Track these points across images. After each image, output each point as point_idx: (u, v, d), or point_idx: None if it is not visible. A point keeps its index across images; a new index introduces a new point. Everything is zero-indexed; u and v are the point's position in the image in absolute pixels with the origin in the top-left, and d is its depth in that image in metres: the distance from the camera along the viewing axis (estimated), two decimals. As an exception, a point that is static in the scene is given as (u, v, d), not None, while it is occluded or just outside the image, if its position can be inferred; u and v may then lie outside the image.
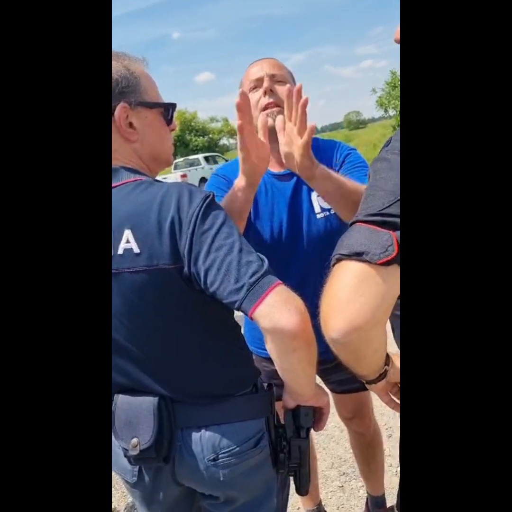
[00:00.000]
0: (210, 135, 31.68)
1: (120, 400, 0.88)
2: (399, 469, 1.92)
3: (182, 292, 0.81)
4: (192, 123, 31.42)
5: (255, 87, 1.20)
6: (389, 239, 0.61)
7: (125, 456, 0.88)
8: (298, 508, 1.72)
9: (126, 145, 0.89)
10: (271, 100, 1.17)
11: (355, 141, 28.37)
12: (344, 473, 1.95)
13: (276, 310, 0.73)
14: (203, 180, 14.11)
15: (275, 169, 1.25)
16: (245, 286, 0.75)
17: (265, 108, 1.17)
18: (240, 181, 1.02)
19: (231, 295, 0.75)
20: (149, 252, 0.78)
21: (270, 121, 1.12)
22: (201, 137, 30.57)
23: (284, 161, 1.07)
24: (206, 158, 16.26)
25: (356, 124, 67.05)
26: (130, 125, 0.88)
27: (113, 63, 0.86)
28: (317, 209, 1.23)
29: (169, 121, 0.94)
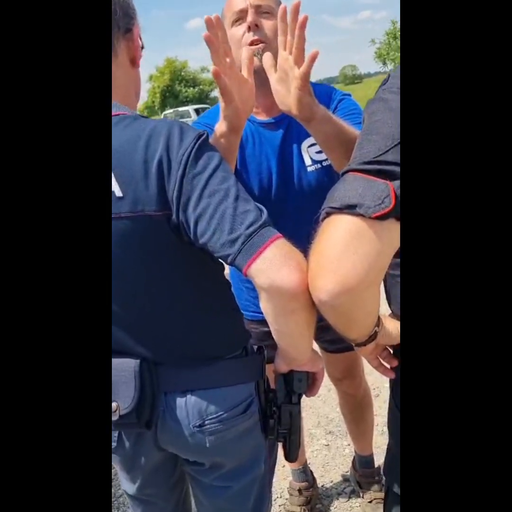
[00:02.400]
0: (201, 86, 30.67)
1: None
2: (385, 428, 1.93)
3: (169, 242, 0.73)
4: (182, 73, 30.33)
5: (237, 20, 1.05)
6: (386, 190, 0.55)
7: None
8: (283, 466, 1.72)
9: (130, 71, 0.84)
10: (256, 36, 1.02)
11: (350, 96, 27.61)
12: (330, 432, 1.95)
13: (274, 265, 0.65)
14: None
15: (261, 117, 1.14)
16: (241, 237, 0.66)
17: (251, 45, 1.01)
18: (221, 126, 0.88)
19: (224, 247, 0.68)
20: (134, 196, 0.70)
21: (255, 60, 0.94)
22: (191, 88, 29.61)
23: (277, 100, 0.91)
24: (197, 111, 15.84)
25: (352, 79, 65.39)
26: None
27: None
28: (307, 161, 1.13)
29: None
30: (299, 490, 1.57)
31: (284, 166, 1.13)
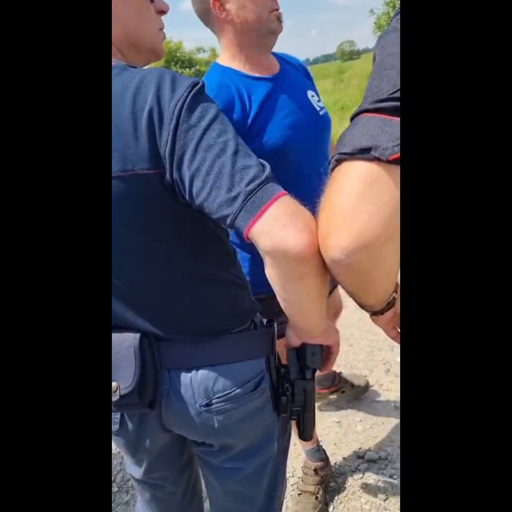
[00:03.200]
0: (197, 67, 30.19)
1: None
2: (398, 404, 1.89)
3: (165, 205, 0.66)
4: (178, 54, 29.90)
5: None
6: None
7: None
8: (295, 444, 1.68)
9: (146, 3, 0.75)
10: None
11: (348, 72, 27.27)
12: (341, 408, 1.91)
13: (279, 225, 0.58)
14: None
15: (266, 74, 1.15)
16: (241, 195, 0.59)
17: (274, 8, 1.12)
18: None
19: (222, 207, 0.60)
20: (123, 154, 0.63)
21: (278, 24, 1.12)
22: (187, 69, 29.17)
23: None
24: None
25: (350, 55, 64.43)
26: None
27: None
28: (316, 107, 1.20)
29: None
30: (315, 470, 1.53)
31: (304, 111, 1.16)
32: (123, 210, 0.66)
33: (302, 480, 1.55)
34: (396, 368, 2.10)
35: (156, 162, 0.63)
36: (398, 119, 0.48)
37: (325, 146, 1.21)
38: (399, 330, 0.76)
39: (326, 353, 0.84)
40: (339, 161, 0.52)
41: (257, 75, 1.13)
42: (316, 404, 1.83)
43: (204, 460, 0.87)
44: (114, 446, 1.34)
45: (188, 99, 0.62)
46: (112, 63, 0.68)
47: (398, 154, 0.47)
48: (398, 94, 0.49)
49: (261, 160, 0.63)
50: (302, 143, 1.12)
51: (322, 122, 1.19)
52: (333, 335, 0.81)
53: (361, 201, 0.49)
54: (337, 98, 13.18)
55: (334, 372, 1.91)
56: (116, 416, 0.80)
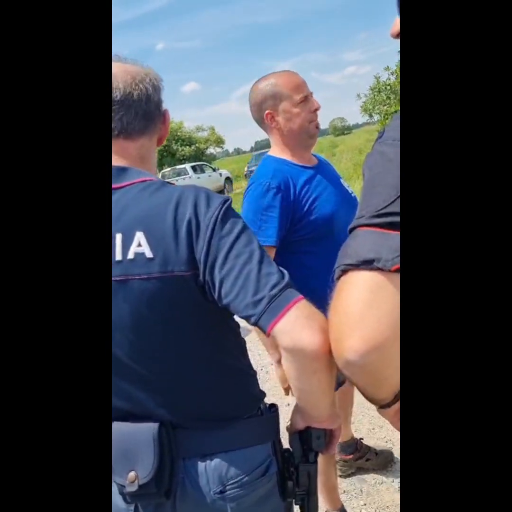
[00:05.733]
0: (197, 145, 31.64)
1: (115, 429, 0.79)
2: (398, 485, 1.88)
3: (195, 302, 0.75)
4: (179, 133, 31.42)
5: (302, 101, 1.44)
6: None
7: (120, 493, 0.80)
8: None
9: (154, 148, 0.91)
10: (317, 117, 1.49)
11: (340, 146, 28.52)
12: (344, 491, 1.90)
13: (297, 327, 0.68)
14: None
15: (309, 164, 1.50)
16: (265, 299, 0.69)
17: (316, 125, 1.49)
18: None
19: (248, 308, 0.70)
20: (164, 257, 0.73)
21: (317, 130, 1.50)
22: (187, 147, 30.52)
23: None
24: (194, 168, 16.27)
25: (341, 130, 67.59)
26: None
27: (150, 71, 0.89)
28: (348, 189, 1.55)
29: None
30: None
31: (342, 192, 1.50)
32: (158, 305, 0.74)
33: None
34: (398, 447, 2.10)
35: (192, 264, 0.73)
36: (394, 232, 0.55)
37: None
38: None
39: (329, 436, 0.88)
40: (344, 271, 0.58)
41: (301, 164, 1.46)
42: (340, 471, 1.88)
43: None
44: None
45: (221, 214, 0.74)
46: (151, 178, 0.80)
47: (398, 264, 0.53)
48: (389, 210, 0.56)
49: (280, 267, 0.74)
50: (343, 216, 1.38)
51: (354, 202, 1.49)
52: (337, 420, 0.86)
53: (369, 308, 0.55)
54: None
55: (354, 437, 1.95)
56: (130, 507, 0.82)
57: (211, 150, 37.46)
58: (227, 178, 17.90)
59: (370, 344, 0.55)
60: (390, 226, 0.56)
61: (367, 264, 0.55)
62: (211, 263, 0.72)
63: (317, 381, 0.72)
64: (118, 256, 0.74)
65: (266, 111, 1.45)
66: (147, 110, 0.85)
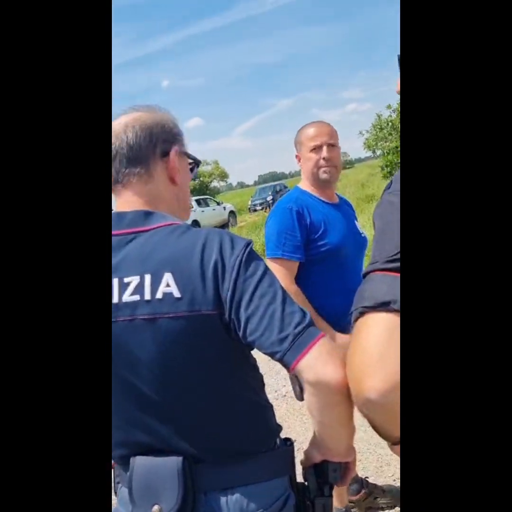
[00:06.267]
0: (201, 178, 32.17)
1: (138, 463, 0.81)
2: None
3: (221, 340, 0.78)
4: (183, 167, 32.01)
5: (315, 149, 1.72)
6: None
7: None
8: None
9: (171, 187, 0.92)
10: (328, 163, 1.73)
11: (343, 181, 28.90)
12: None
13: (321, 362, 0.72)
14: (195, 222, 14.20)
15: (332, 201, 1.79)
16: (290, 336, 0.73)
17: (321, 166, 1.74)
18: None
19: (273, 345, 0.73)
20: (191, 297, 0.76)
21: (325, 175, 1.73)
22: (192, 181, 31.08)
23: None
24: (198, 201, 16.46)
25: (344, 164, 68.69)
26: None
27: (164, 114, 0.94)
28: (359, 229, 1.82)
29: (194, 174, 1.01)
30: None
31: (353, 229, 1.78)
32: (184, 342, 0.77)
33: None
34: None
35: (218, 304, 0.76)
36: None
37: (361, 259, 1.80)
38: None
39: (344, 469, 0.89)
40: (362, 313, 0.61)
41: (322, 199, 1.76)
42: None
43: None
44: None
45: (245, 256, 0.78)
46: (177, 222, 0.84)
47: None
48: (399, 256, 0.59)
49: (301, 306, 0.78)
50: (350, 248, 1.70)
51: (361, 240, 1.80)
52: (353, 453, 0.88)
53: (389, 347, 0.57)
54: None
55: (358, 476, 1.95)
56: None
57: (215, 183, 38.01)
58: (231, 212, 18.03)
59: (391, 383, 0.57)
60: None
61: (384, 306, 0.58)
62: (237, 302, 0.76)
63: (338, 414, 0.76)
64: (147, 295, 0.77)
65: (295, 153, 1.82)
66: (132, 156, 0.87)
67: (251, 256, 0.79)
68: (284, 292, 0.78)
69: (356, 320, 0.62)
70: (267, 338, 0.74)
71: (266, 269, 0.80)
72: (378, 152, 20.83)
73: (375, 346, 0.58)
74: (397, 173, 0.70)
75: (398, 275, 0.59)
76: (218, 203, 17.85)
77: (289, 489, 0.85)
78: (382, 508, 1.95)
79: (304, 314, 0.76)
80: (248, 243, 0.81)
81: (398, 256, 0.60)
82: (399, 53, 0.76)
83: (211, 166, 36.74)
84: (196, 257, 0.77)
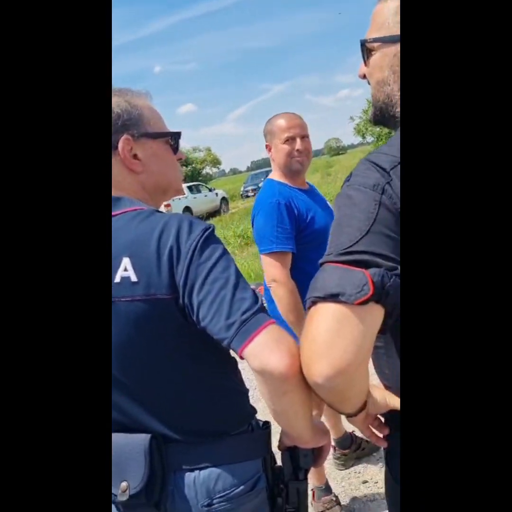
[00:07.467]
0: (193, 165, 31.94)
1: None
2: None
3: (177, 323, 0.79)
4: (175, 154, 31.69)
5: (288, 140, 1.76)
6: (363, 278, 0.61)
7: (113, 502, 0.83)
8: None
9: (131, 176, 0.90)
10: (301, 155, 1.79)
11: (335, 166, 28.84)
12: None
13: (266, 350, 0.70)
14: (187, 209, 14.16)
15: (304, 187, 1.85)
16: (236, 323, 0.72)
17: (294, 157, 1.79)
18: None
19: (221, 331, 0.73)
20: (147, 281, 0.77)
21: (297, 165, 1.79)
22: (184, 167, 30.78)
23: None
24: (190, 188, 16.35)
25: (337, 150, 68.36)
26: (135, 156, 0.90)
27: (116, 98, 0.89)
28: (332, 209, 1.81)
29: (175, 150, 0.96)
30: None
31: (329, 209, 1.83)
32: (143, 326, 0.79)
33: None
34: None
35: (173, 288, 0.77)
36: (357, 269, 0.62)
37: None
38: (373, 430, 0.84)
39: (318, 451, 0.91)
40: (314, 303, 0.64)
41: (296, 186, 1.81)
42: (341, 465, 2.12)
43: None
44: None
45: (201, 241, 0.78)
46: (142, 207, 0.84)
47: (361, 299, 0.60)
48: (353, 248, 0.63)
49: (256, 292, 0.78)
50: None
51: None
52: (322, 439, 0.89)
53: (336, 337, 0.61)
54: (325, 191, 13.75)
55: (347, 432, 2.17)
56: None
57: (208, 170, 37.69)
58: (223, 198, 17.95)
59: (336, 369, 0.61)
60: (354, 263, 0.62)
61: (333, 297, 0.61)
62: (190, 288, 0.76)
63: (288, 402, 0.75)
64: None
65: (266, 143, 1.85)
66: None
67: (208, 242, 0.79)
68: (237, 278, 0.77)
69: (308, 308, 0.66)
70: (215, 324, 0.74)
71: (222, 254, 0.78)
72: (369, 139, 20.79)
73: (322, 335, 0.62)
74: (358, 165, 0.73)
75: (349, 267, 0.62)
76: (210, 190, 17.74)
77: (261, 471, 0.87)
78: (367, 454, 2.18)
79: (255, 300, 0.75)
80: (206, 228, 0.80)
81: (351, 249, 0.63)
82: (362, 38, 0.79)
83: (203, 153, 36.36)
84: (153, 242, 0.78)
